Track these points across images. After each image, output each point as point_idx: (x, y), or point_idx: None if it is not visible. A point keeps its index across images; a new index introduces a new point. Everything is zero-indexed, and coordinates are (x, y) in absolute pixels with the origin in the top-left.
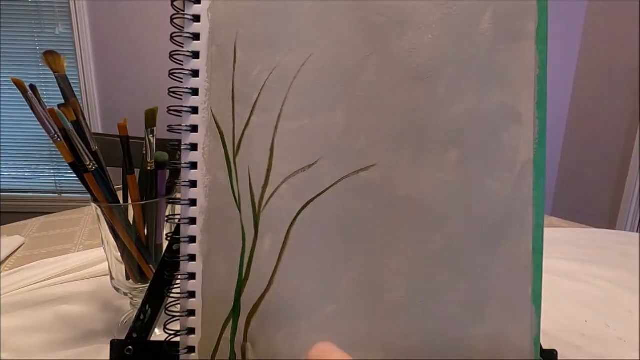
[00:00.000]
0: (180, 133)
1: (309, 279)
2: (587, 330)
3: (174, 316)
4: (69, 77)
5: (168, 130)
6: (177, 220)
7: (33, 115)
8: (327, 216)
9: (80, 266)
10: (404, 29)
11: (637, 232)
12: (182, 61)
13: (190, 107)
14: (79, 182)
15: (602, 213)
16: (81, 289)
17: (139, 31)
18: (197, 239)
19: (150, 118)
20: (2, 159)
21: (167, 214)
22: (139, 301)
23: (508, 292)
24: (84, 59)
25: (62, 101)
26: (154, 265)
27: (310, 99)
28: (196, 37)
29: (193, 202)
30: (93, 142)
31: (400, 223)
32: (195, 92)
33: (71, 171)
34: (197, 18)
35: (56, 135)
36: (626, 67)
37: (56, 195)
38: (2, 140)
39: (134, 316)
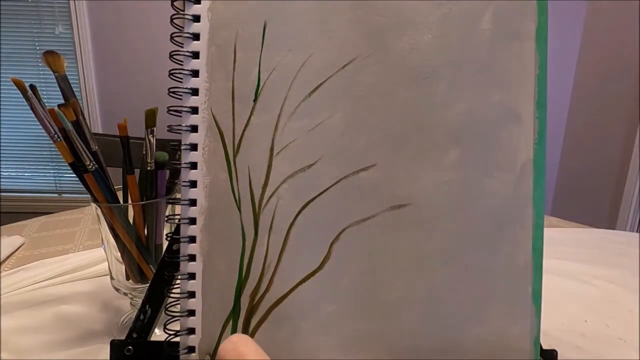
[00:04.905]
0: (180, 133)
1: (309, 279)
2: (587, 330)
3: (174, 316)
4: (69, 77)
5: (168, 130)
6: (177, 220)
7: (33, 115)
8: (327, 216)
9: (80, 266)
10: (404, 29)
11: (637, 232)
12: (182, 61)
13: (190, 107)
14: (79, 182)
15: (602, 213)
16: (81, 289)
17: (139, 31)
18: (197, 239)
19: (150, 118)
20: (2, 159)
21: (167, 214)
22: (139, 301)
23: (508, 292)
24: (84, 59)
25: (62, 101)
26: (154, 265)
27: (310, 99)
28: (196, 37)
29: (193, 202)
30: (93, 142)
31: (400, 223)
32: (195, 92)
33: (71, 171)
34: (197, 18)
35: (56, 135)
36: (626, 67)
37: (56, 195)
38: (2, 140)
39: (134, 316)
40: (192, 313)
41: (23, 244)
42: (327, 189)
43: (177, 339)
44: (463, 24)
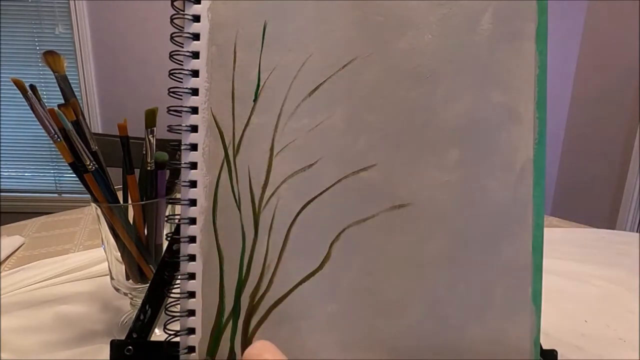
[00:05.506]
0: (180, 133)
1: (309, 279)
2: (587, 330)
3: (174, 316)
4: (69, 77)
5: (168, 130)
6: (177, 220)
7: (33, 115)
8: (327, 216)
9: (80, 266)
10: (404, 29)
11: (637, 232)
12: (182, 61)
13: (190, 107)
14: (79, 182)
15: (602, 213)
16: (81, 289)
17: (139, 31)
18: (197, 239)
19: (150, 118)
20: (2, 159)
21: (167, 214)
22: (139, 301)
23: (508, 292)
24: (84, 59)
25: (62, 101)
26: (154, 265)
27: (310, 99)
28: (196, 37)
29: (193, 202)
30: (93, 142)
31: (400, 223)
32: (195, 92)
33: (71, 171)
34: (197, 18)
35: (56, 135)
36: (626, 67)
37: (56, 195)
38: (2, 140)
39: (134, 316)
40: (192, 313)
41: (23, 244)
42: (327, 189)
43: (177, 339)
44: (463, 24)
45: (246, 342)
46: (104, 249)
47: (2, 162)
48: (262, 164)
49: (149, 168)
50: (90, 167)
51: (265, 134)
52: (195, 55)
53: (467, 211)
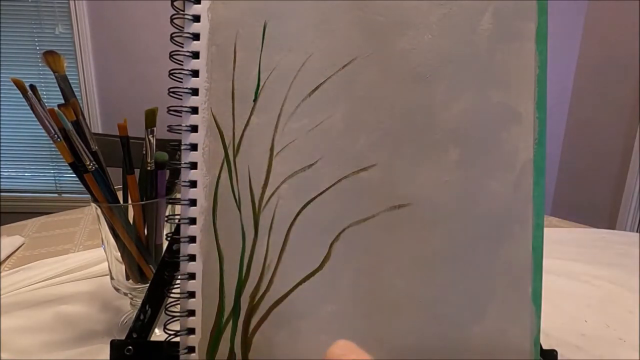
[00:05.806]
0: (180, 133)
1: (309, 279)
2: (587, 330)
3: (174, 316)
4: (69, 77)
5: (168, 130)
6: (177, 220)
7: (33, 115)
8: (327, 216)
9: (80, 266)
10: (404, 29)
11: (637, 232)
12: (182, 61)
13: (190, 107)
14: (79, 182)
15: (602, 213)
16: (81, 289)
17: (139, 31)
18: (197, 239)
19: (150, 118)
20: (2, 159)
21: (167, 214)
22: (139, 301)
23: (508, 292)
24: (84, 59)
25: (62, 101)
26: (154, 265)
27: (310, 99)
28: (196, 37)
29: (193, 202)
30: (93, 142)
31: (400, 223)
32: (195, 92)
33: (71, 171)
34: (197, 18)
35: (56, 135)
36: (626, 67)
37: (56, 195)
38: (2, 140)
39: (134, 316)
40: (192, 313)
41: (23, 244)
42: (327, 189)
43: (177, 339)
44: (463, 24)
45: (246, 342)
46: (104, 249)
47: (2, 162)
48: (262, 164)
49: (149, 168)
50: (90, 167)
51: (265, 134)
52: (195, 55)
53: (467, 211)
